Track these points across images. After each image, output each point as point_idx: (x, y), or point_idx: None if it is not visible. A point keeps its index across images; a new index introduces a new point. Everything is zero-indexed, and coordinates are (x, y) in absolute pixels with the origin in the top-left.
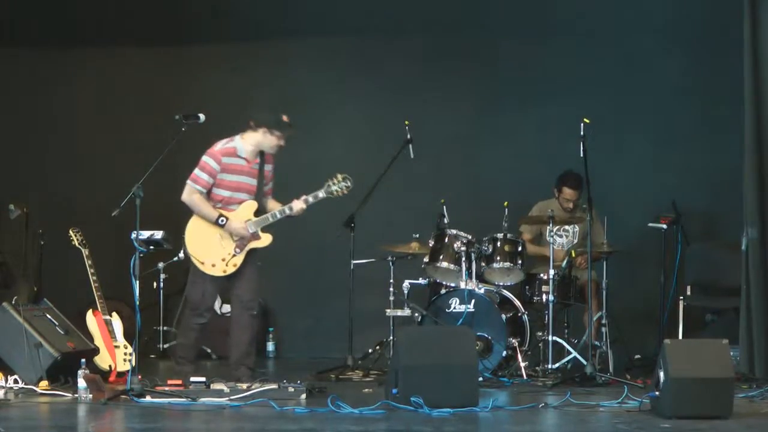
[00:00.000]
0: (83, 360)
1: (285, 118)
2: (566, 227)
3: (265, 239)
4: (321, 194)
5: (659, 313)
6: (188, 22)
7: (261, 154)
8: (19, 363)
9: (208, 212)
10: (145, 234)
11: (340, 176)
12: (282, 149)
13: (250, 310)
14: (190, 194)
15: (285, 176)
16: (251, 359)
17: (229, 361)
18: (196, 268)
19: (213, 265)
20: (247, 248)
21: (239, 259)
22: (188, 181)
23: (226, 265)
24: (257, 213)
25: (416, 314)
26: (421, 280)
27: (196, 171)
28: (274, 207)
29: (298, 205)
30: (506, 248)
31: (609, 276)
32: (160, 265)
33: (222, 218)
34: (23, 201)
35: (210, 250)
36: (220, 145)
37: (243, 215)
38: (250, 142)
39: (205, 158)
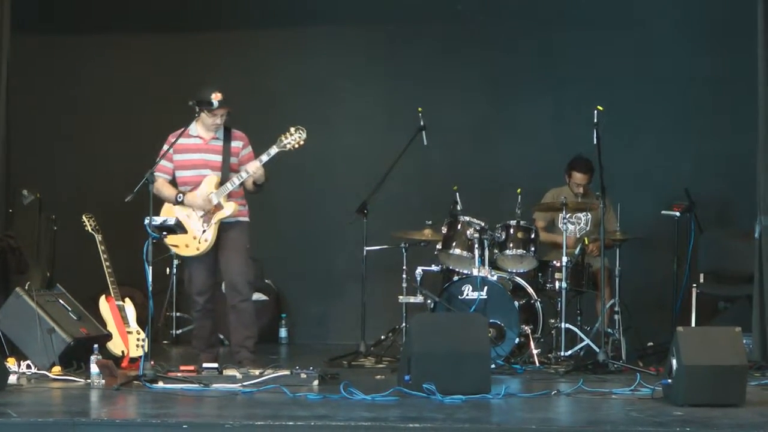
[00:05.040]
0: (96, 345)
1: (215, 96)
2: (578, 214)
3: (228, 208)
4: (274, 150)
5: (672, 301)
6: (204, 8)
7: (225, 130)
8: (32, 348)
9: (168, 194)
10: (158, 220)
11: (292, 129)
12: (218, 126)
13: (240, 293)
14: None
15: (300, 163)
16: (251, 342)
17: (230, 345)
18: (179, 256)
19: (186, 246)
20: (214, 220)
21: (210, 234)
22: None
23: (199, 242)
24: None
25: (429, 301)
26: (433, 267)
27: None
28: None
29: (253, 165)
30: (519, 235)
31: (622, 263)
32: (173, 250)
33: (179, 195)
34: (36, 186)
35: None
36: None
37: (205, 190)
38: (199, 122)
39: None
